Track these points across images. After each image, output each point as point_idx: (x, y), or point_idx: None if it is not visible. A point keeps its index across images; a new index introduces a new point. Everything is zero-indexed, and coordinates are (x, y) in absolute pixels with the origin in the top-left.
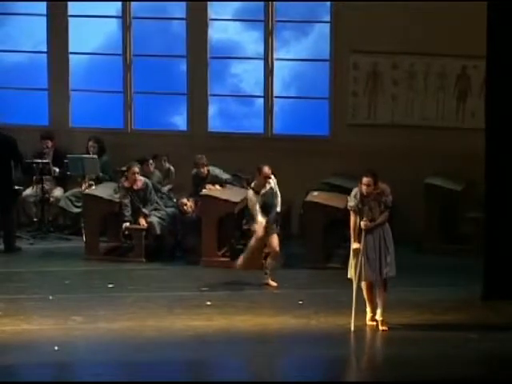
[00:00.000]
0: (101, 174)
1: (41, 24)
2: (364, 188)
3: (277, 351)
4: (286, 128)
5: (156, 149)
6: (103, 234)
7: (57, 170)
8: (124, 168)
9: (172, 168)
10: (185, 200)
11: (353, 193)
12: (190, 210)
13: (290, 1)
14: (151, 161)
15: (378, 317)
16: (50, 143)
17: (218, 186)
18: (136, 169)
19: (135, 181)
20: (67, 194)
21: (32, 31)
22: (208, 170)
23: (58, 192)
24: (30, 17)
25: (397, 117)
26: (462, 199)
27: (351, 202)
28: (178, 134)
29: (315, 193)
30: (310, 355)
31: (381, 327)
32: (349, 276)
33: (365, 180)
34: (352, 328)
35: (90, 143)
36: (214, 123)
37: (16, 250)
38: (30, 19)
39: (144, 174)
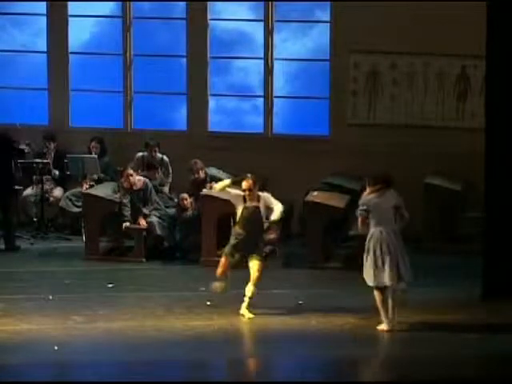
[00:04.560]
0: (102, 175)
1: (41, 24)
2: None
3: (277, 351)
4: (285, 128)
5: None
6: (103, 233)
7: (57, 172)
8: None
9: (165, 158)
10: (185, 195)
11: (362, 200)
12: (189, 205)
13: (290, 1)
14: (159, 168)
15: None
16: (52, 144)
17: (214, 184)
18: (130, 171)
19: (133, 183)
20: (67, 193)
21: (32, 31)
22: (205, 173)
23: (58, 192)
24: (30, 17)
25: (396, 116)
26: (461, 199)
27: (362, 207)
28: (177, 133)
29: (315, 193)
30: (309, 355)
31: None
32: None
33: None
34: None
35: (93, 144)
36: (214, 122)
37: (16, 249)
38: (30, 19)
39: (148, 176)
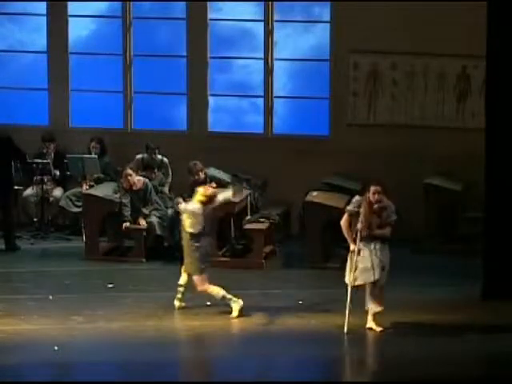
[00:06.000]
0: (102, 175)
1: (40, 24)
2: (373, 196)
3: (277, 351)
4: (285, 128)
5: None
6: (103, 233)
7: (57, 173)
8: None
9: (165, 159)
10: (180, 199)
11: (354, 199)
12: None
13: (290, 1)
14: (156, 169)
15: (368, 324)
16: (51, 145)
17: (214, 184)
18: (129, 171)
19: (133, 183)
20: (67, 193)
21: (32, 31)
22: (205, 174)
23: (58, 192)
24: (29, 17)
25: (396, 117)
26: (461, 199)
27: (351, 206)
28: (177, 133)
29: (315, 193)
30: (310, 355)
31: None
32: (346, 281)
33: (373, 189)
34: (345, 330)
35: (93, 144)
36: (214, 122)
37: (16, 249)
38: (29, 19)
39: (146, 176)
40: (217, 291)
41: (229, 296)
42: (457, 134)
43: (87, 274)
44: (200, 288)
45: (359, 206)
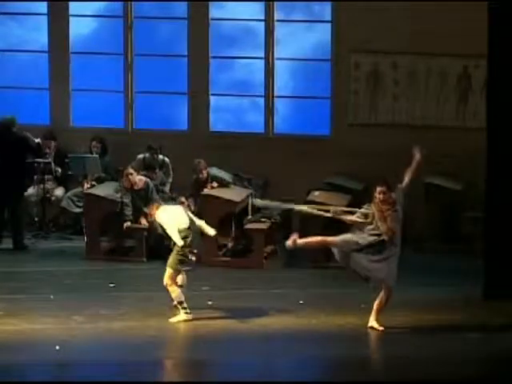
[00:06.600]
0: (103, 175)
1: (41, 24)
2: (380, 196)
3: (277, 351)
4: (287, 127)
5: None
6: (104, 233)
7: (59, 170)
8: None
9: (167, 159)
10: (183, 198)
11: (363, 211)
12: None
13: (290, 0)
14: (157, 170)
15: (370, 323)
16: (52, 144)
17: (215, 184)
18: (130, 170)
19: (134, 182)
20: (69, 193)
21: (33, 30)
22: (208, 173)
23: (59, 191)
24: (30, 16)
25: (397, 116)
26: (462, 199)
27: (360, 218)
28: (178, 133)
29: (316, 192)
30: (310, 355)
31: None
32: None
33: (379, 189)
34: None
35: (94, 143)
36: (216, 121)
37: (24, 248)
38: (30, 19)
39: (147, 176)
40: (176, 294)
41: (184, 305)
42: (458, 133)
43: (88, 273)
44: (165, 282)
45: (365, 216)
